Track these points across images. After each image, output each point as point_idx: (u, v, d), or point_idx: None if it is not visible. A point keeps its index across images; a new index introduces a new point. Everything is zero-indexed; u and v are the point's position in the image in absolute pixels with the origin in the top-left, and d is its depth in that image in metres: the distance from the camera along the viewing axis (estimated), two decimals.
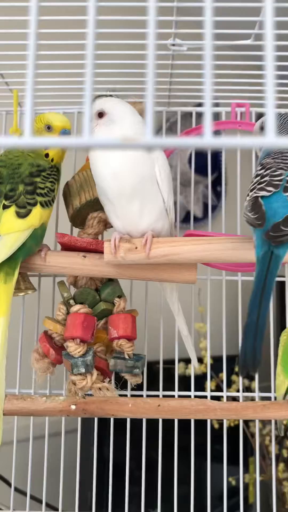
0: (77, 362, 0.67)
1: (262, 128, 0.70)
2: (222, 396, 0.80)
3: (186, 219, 1.39)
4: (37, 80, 0.27)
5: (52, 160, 0.72)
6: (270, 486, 0.82)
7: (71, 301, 0.72)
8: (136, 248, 0.65)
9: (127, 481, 0.80)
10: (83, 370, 0.67)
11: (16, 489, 0.84)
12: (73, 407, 0.63)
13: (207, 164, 0.87)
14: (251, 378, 1.25)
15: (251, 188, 0.63)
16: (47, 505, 0.86)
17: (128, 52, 0.73)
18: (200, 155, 0.87)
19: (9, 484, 0.83)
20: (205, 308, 0.97)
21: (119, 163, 0.64)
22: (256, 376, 0.81)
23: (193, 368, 0.81)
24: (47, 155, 0.71)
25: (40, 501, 0.84)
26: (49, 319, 0.73)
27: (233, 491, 0.84)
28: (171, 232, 0.71)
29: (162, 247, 0.65)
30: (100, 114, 0.66)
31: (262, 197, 0.60)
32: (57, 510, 0.82)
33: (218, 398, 0.77)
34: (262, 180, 0.61)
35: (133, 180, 0.64)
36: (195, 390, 0.81)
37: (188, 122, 1.51)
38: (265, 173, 0.62)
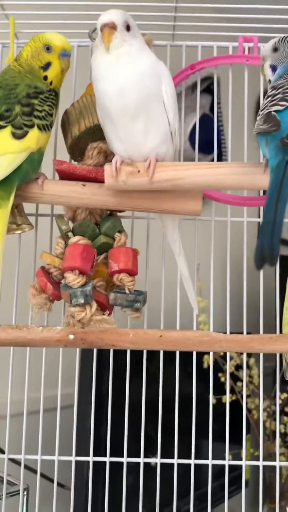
0: (76, 292, 0.63)
1: (275, 49, 0.67)
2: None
3: None
4: (35, 13, 0.23)
5: (50, 83, 0.68)
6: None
7: (70, 234, 0.69)
8: (138, 171, 0.62)
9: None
10: (82, 301, 0.63)
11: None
12: (71, 336, 0.60)
13: (209, 141, 0.83)
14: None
15: (262, 108, 0.59)
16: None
17: None
18: (202, 132, 0.83)
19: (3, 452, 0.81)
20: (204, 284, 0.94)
21: (125, 79, 0.60)
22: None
23: (195, 314, 0.78)
24: (45, 78, 0.67)
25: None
26: (47, 253, 0.70)
27: (231, 468, 0.82)
28: (175, 159, 0.67)
29: (166, 171, 0.62)
30: (128, 27, 0.62)
31: (275, 111, 0.56)
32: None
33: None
34: (274, 98, 0.58)
35: (139, 97, 0.60)
36: None
37: (189, 97, 1.47)
38: (276, 92, 0.59)
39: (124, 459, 0.79)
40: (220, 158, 1.54)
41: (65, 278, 0.65)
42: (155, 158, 0.62)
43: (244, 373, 0.82)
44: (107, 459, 0.79)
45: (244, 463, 0.80)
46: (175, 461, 0.79)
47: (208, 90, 1.40)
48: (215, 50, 0.83)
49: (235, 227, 0.82)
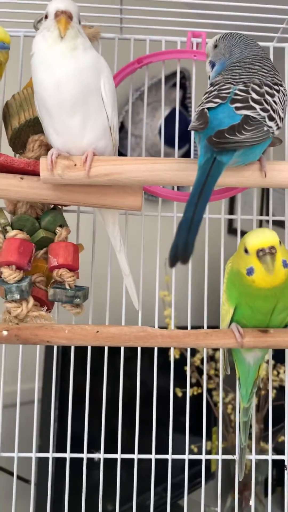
0: (11, 288, 0.62)
1: (215, 46, 0.67)
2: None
3: None
4: None
5: None
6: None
7: (8, 228, 0.67)
8: (75, 165, 0.61)
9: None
10: (17, 297, 0.62)
11: None
12: (4, 332, 0.59)
13: (178, 136, 0.82)
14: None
15: (199, 105, 0.59)
16: None
17: None
18: (170, 125, 0.82)
19: None
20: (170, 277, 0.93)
21: (64, 72, 0.58)
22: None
23: (124, 311, 0.77)
24: None
25: None
26: None
27: (195, 460, 0.82)
28: (114, 154, 0.66)
29: (104, 165, 0.61)
30: (79, 21, 0.61)
31: (208, 108, 0.56)
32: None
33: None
34: (210, 95, 0.58)
35: (77, 91, 0.59)
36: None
37: (159, 92, 1.46)
38: (213, 89, 0.59)
39: (84, 455, 0.78)
40: (189, 154, 1.54)
41: (1, 273, 0.64)
42: (92, 152, 0.61)
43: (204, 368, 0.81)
44: (67, 455, 0.78)
45: (204, 457, 0.80)
46: (135, 456, 0.78)
47: (175, 85, 1.40)
48: (163, 44, 0.83)
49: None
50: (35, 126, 0.69)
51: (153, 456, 0.78)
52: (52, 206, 0.72)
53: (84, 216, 0.79)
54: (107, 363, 0.78)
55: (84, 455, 0.78)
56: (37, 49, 0.60)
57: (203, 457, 0.81)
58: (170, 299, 1.36)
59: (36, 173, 0.65)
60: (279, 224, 0.85)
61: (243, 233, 0.67)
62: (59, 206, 0.73)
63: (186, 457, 0.79)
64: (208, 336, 0.61)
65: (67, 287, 0.67)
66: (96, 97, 0.62)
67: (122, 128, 1.47)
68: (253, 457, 0.78)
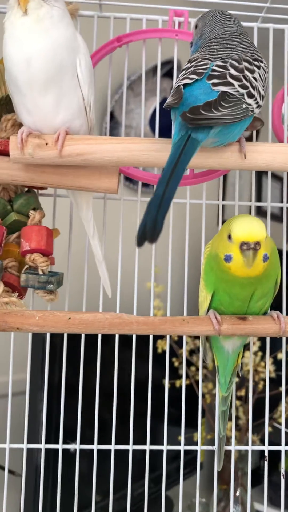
0: None
1: (196, 26, 0.64)
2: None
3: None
4: None
5: None
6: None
7: None
8: (46, 144, 0.58)
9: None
10: None
11: None
12: None
13: (169, 125, 0.79)
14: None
15: (176, 82, 0.57)
16: None
17: None
18: (163, 116, 0.79)
19: None
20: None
21: (35, 47, 0.56)
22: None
23: (101, 299, 0.74)
24: None
25: None
26: None
27: (185, 451, 0.80)
28: (90, 135, 0.64)
29: (77, 145, 0.58)
30: None
31: (184, 85, 0.54)
32: None
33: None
34: (186, 72, 0.56)
35: (49, 68, 0.56)
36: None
37: (150, 81, 1.43)
38: (190, 65, 0.56)
39: (77, 446, 0.75)
40: None
41: None
42: (65, 131, 0.58)
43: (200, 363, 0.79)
44: (60, 446, 0.76)
45: (199, 447, 0.77)
46: (130, 447, 0.76)
47: (169, 74, 1.38)
48: (144, 23, 0.80)
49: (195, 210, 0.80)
50: (8, 104, 0.66)
51: (147, 447, 0.76)
52: (26, 189, 0.70)
53: (61, 200, 0.77)
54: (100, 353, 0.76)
55: (77, 446, 0.75)
56: (6, 25, 0.58)
57: (198, 447, 0.77)
58: (159, 290, 1.35)
59: (7, 153, 0.62)
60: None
61: None
62: (34, 190, 0.71)
63: (182, 447, 0.77)
64: (185, 323, 0.59)
65: (40, 272, 0.64)
66: (71, 75, 0.59)
67: (112, 118, 1.44)
68: (233, 447, 0.77)
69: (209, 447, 0.77)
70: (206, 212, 0.80)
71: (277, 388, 1.24)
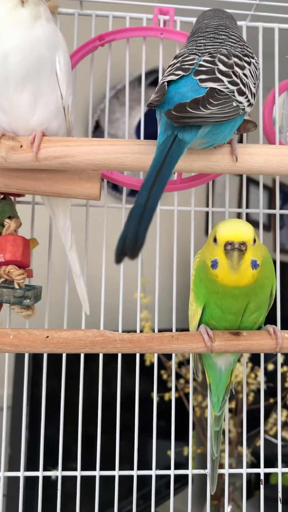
0: None
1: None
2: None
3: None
4: None
5: None
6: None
7: None
8: (21, 146, 0.53)
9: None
10: None
11: None
12: None
13: (155, 135, 0.75)
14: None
15: (162, 78, 0.52)
16: None
17: None
18: (148, 124, 0.75)
19: None
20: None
21: (14, 42, 0.51)
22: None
23: (84, 314, 0.69)
24: None
25: None
26: None
27: (175, 465, 0.74)
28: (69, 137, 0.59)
29: (54, 147, 0.54)
30: None
31: (169, 81, 0.49)
32: None
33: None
34: (172, 68, 0.51)
35: (27, 64, 0.52)
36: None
37: (136, 90, 1.40)
38: (176, 61, 0.52)
39: (59, 473, 0.69)
40: None
41: None
42: (41, 132, 0.54)
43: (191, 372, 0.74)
44: (40, 473, 0.70)
45: (190, 471, 0.71)
46: (116, 473, 0.70)
47: (155, 83, 1.34)
48: (127, 21, 0.76)
49: (183, 217, 0.76)
50: None
51: (135, 473, 0.70)
52: (1, 196, 0.65)
53: (40, 208, 0.71)
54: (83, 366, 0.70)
55: (59, 473, 0.69)
56: None
57: (189, 471, 0.71)
58: (147, 300, 1.31)
59: None
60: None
61: None
62: (10, 197, 0.66)
63: (172, 472, 0.71)
64: (174, 340, 0.54)
65: (16, 286, 0.59)
66: (50, 72, 0.55)
67: (98, 127, 1.40)
68: (226, 471, 0.72)
69: (201, 471, 0.72)
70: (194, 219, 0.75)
71: (268, 400, 1.20)
